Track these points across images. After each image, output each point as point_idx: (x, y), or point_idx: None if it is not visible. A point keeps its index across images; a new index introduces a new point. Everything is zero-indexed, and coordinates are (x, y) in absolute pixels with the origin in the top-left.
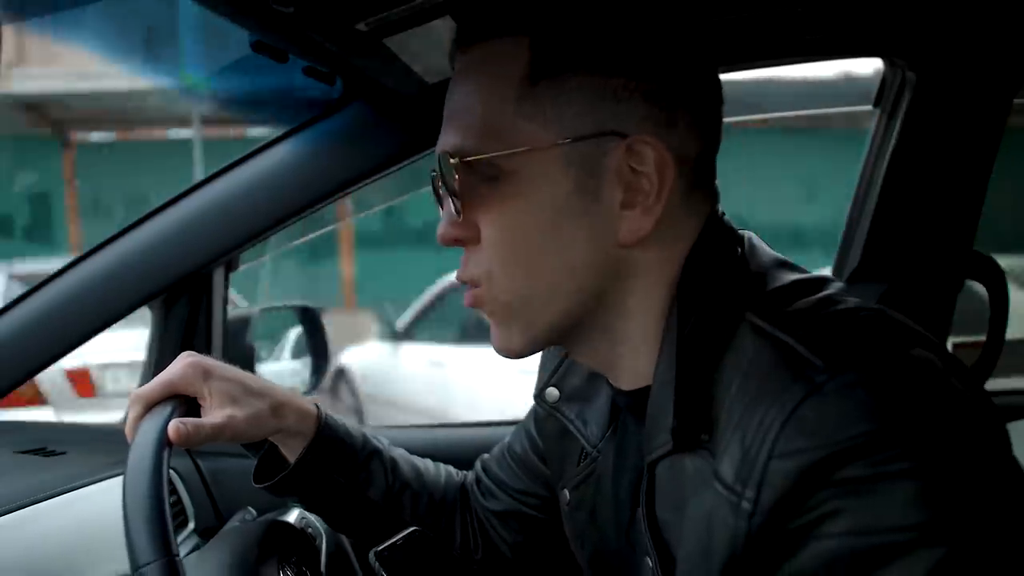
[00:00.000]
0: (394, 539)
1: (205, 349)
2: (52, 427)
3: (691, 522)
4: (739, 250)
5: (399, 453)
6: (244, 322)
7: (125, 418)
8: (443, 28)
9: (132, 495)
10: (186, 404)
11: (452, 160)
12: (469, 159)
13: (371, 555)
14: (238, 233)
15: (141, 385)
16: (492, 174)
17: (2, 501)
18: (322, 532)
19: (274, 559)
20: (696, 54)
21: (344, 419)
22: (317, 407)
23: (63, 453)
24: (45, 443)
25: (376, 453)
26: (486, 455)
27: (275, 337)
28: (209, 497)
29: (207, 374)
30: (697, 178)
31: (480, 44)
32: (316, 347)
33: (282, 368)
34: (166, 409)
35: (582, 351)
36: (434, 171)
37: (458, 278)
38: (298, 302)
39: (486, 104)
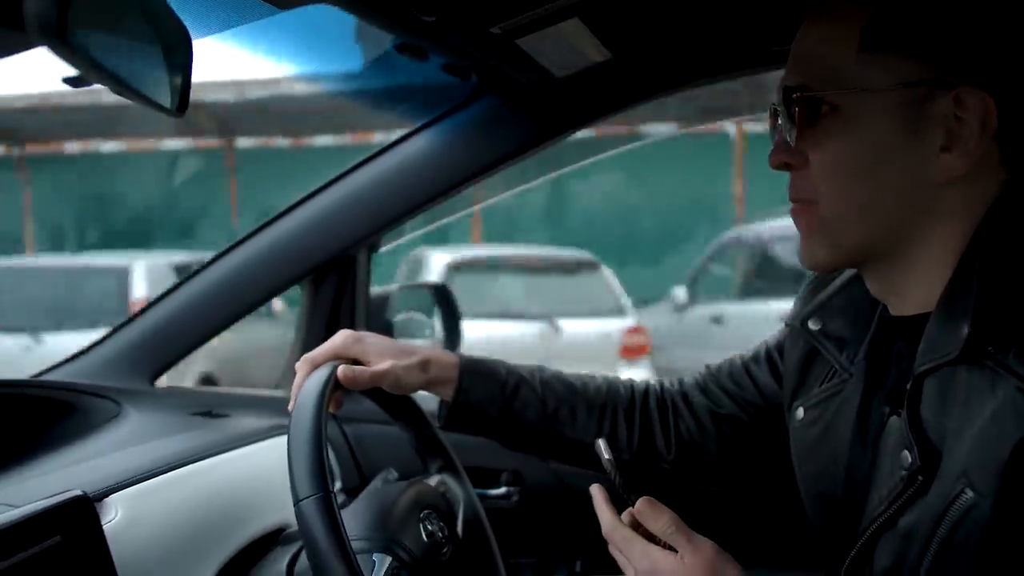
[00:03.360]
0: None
1: (350, 324)
2: (214, 393)
3: (970, 420)
4: None
5: (550, 375)
6: (384, 299)
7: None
8: (571, 28)
9: (296, 438)
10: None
11: (795, 95)
12: (810, 95)
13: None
14: (380, 218)
15: (297, 359)
16: (827, 110)
17: (180, 456)
18: (459, 497)
19: (415, 515)
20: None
21: (488, 360)
22: (460, 356)
23: (227, 416)
24: (211, 407)
25: (522, 382)
26: (714, 364)
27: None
28: (353, 459)
29: (362, 340)
30: (1015, 134)
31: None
32: (449, 324)
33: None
34: (327, 368)
35: (875, 275)
36: (773, 104)
37: (789, 196)
38: (434, 280)
39: (829, 51)
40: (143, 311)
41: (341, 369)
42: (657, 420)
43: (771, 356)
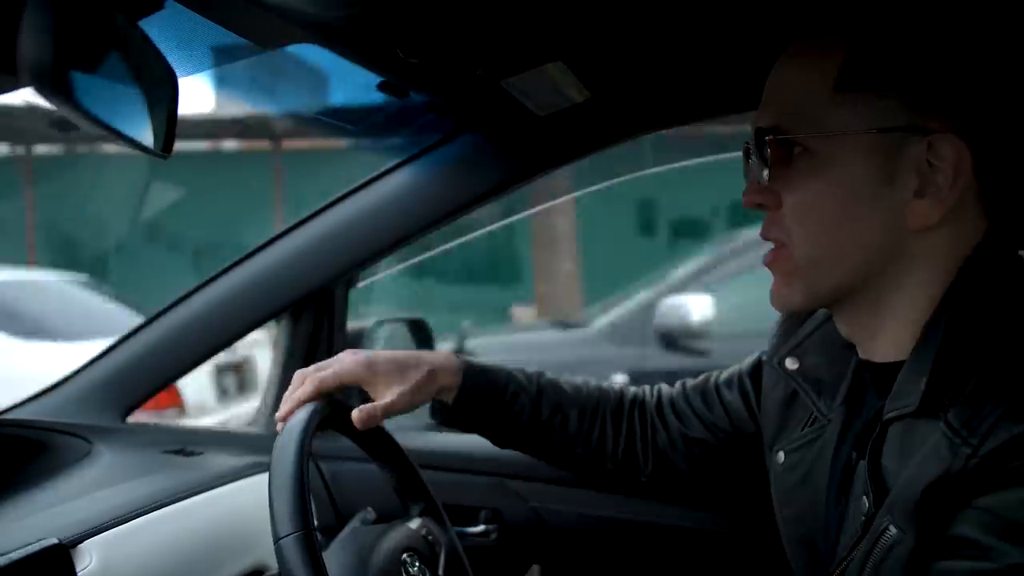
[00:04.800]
0: None
1: (328, 357)
2: (187, 430)
3: (911, 460)
4: (1020, 258)
5: (547, 381)
6: (361, 333)
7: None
8: (554, 70)
9: (277, 475)
10: (330, 403)
11: (767, 137)
12: (782, 137)
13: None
14: (360, 253)
15: (273, 394)
16: (800, 152)
17: (154, 498)
18: (440, 540)
19: (397, 558)
20: (1002, 78)
21: (489, 365)
22: (462, 361)
23: (201, 453)
24: (184, 444)
25: (521, 391)
26: (689, 382)
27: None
28: (330, 498)
29: (371, 364)
30: (991, 180)
31: (802, 40)
32: None
33: None
34: (311, 405)
35: (847, 318)
36: (747, 143)
37: (761, 235)
38: (409, 315)
39: (803, 91)
40: (114, 346)
41: (355, 416)
42: (638, 430)
43: (743, 383)
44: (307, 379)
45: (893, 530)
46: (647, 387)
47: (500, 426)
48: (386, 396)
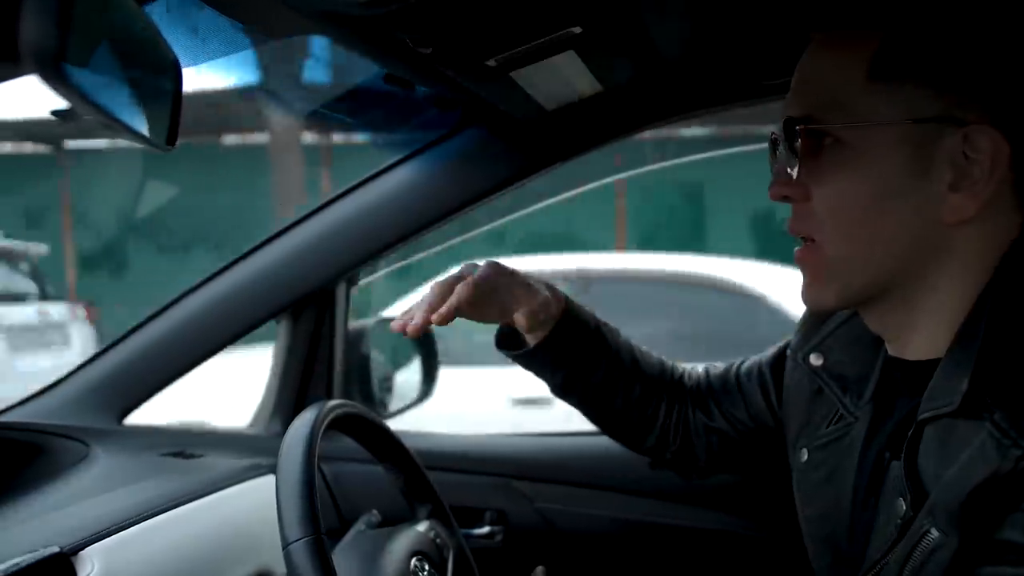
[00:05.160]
0: None
1: (328, 360)
2: (186, 432)
3: (954, 461)
4: None
5: (624, 342)
6: (362, 333)
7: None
8: (565, 61)
9: (286, 479)
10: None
11: (798, 127)
12: (813, 127)
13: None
14: (360, 251)
15: (272, 397)
16: (831, 143)
17: (157, 502)
18: (448, 543)
19: (407, 562)
20: None
21: (582, 308)
22: (565, 297)
23: (201, 456)
24: (183, 447)
25: (606, 344)
26: (714, 367)
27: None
28: (333, 500)
29: (512, 275)
30: None
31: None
32: (427, 354)
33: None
34: (317, 408)
35: (877, 315)
36: (774, 133)
37: (790, 231)
38: None
39: (835, 80)
40: (110, 347)
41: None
42: (683, 411)
43: (763, 375)
44: (441, 290)
45: (935, 533)
46: (689, 367)
47: (573, 374)
48: (512, 311)
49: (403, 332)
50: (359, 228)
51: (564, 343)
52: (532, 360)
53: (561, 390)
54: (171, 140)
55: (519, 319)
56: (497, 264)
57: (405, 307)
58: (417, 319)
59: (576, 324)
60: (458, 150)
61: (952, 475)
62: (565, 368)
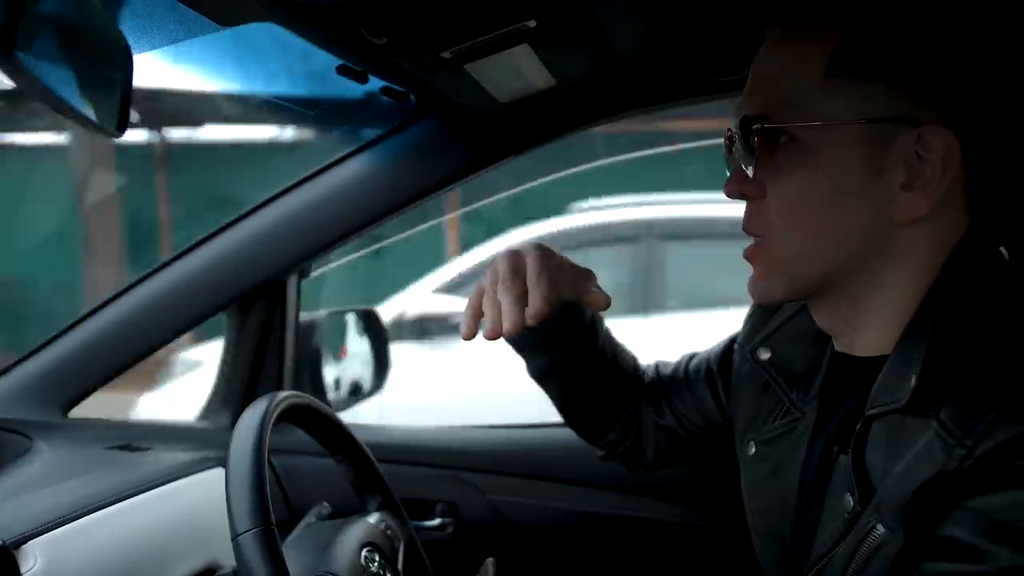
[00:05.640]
0: None
1: (278, 353)
2: (133, 425)
3: (901, 457)
4: (1001, 253)
5: (608, 337)
6: (313, 325)
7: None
8: (520, 54)
9: (236, 469)
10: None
11: (755, 125)
12: (770, 126)
13: None
14: (312, 243)
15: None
16: (786, 141)
17: (100, 496)
18: (399, 534)
19: (357, 554)
20: (995, 69)
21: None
22: None
23: (148, 449)
24: (130, 440)
25: (593, 338)
26: (663, 365)
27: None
28: (282, 493)
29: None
30: (979, 174)
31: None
32: (378, 349)
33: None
34: (268, 399)
35: (826, 311)
36: (730, 130)
37: (743, 228)
38: (361, 306)
39: (791, 78)
40: (54, 338)
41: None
42: (635, 409)
43: (711, 372)
44: (510, 296)
45: (881, 529)
46: (651, 366)
47: (559, 360)
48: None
49: (494, 337)
50: (311, 219)
51: (560, 328)
52: (523, 339)
53: (540, 375)
54: (121, 127)
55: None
56: (552, 256)
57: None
58: (508, 323)
59: (575, 312)
60: (412, 142)
61: (899, 472)
62: (552, 352)
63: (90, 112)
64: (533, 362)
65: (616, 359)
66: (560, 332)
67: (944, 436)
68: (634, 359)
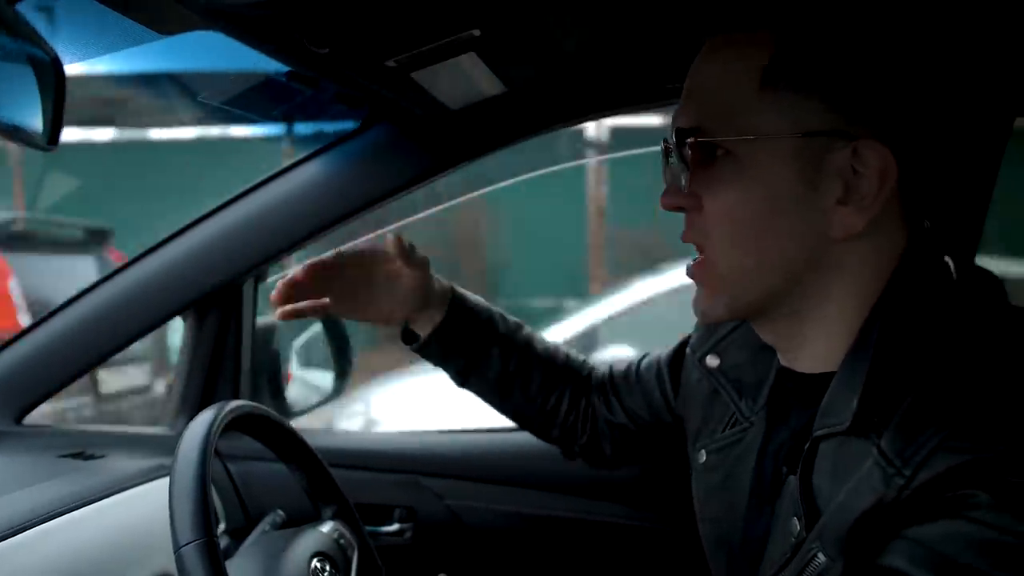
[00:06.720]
0: None
1: (235, 358)
2: (88, 432)
3: (846, 482)
4: (948, 266)
5: (522, 336)
6: (271, 329)
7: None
8: (467, 62)
9: (179, 480)
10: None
11: (689, 139)
12: (705, 140)
13: None
14: (268, 247)
15: (177, 394)
16: (722, 154)
17: (49, 506)
18: (353, 543)
19: (307, 564)
20: (931, 84)
21: (475, 304)
22: (452, 289)
23: (102, 457)
24: (84, 447)
25: (497, 337)
26: (618, 363)
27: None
28: (239, 499)
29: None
30: (914, 189)
31: (727, 34)
32: (339, 353)
33: (306, 375)
34: (215, 409)
35: (768, 327)
36: (666, 140)
37: (682, 239)
38: None
39: (726, 88)
40: (5, 344)
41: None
42: (588, 407)
43: (661, 372)
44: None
45: (822, 557)
46: (599, 362)
47: (468, 364)
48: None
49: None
50: (266, 224)
51: (453, 333)
52: (427, 351)
53: (459, 380)
54: (53, 140)
55: (392, 312)
56: (321, 262)
57: None
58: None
59: (464, 314)
60: (366, 147)
61: (841, 500)
62: (458, 358)
63: (23, 125)
64: (449, 370)
65: (537, 355)
66: (454, 339)
67: (883, 465)
68: (567, 355)
